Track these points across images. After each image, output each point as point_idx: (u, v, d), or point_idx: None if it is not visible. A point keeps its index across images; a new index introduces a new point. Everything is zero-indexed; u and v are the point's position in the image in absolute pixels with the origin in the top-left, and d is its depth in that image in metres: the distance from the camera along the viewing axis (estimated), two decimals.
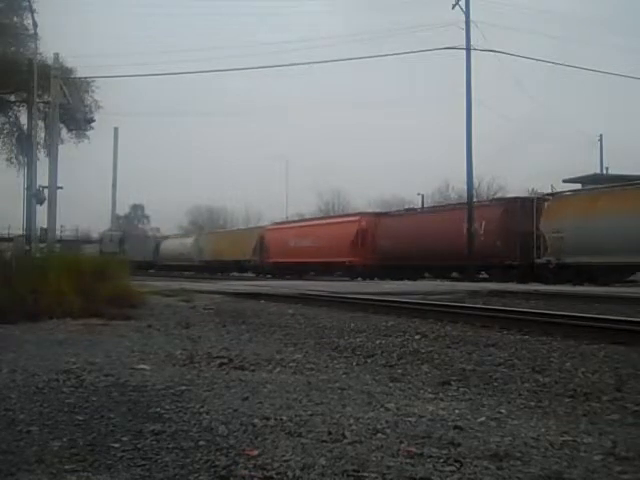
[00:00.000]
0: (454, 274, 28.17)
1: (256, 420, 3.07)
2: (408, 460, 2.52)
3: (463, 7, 26.27)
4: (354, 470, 2.39)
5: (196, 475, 2.35)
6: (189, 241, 51.11)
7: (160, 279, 23.40)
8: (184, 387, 3.84)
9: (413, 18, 78.13)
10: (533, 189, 27.31)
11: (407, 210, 36.85)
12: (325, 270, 34.46)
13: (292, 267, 35.72)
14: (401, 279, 26.22)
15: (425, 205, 43.08)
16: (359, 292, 13.78)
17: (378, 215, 34.98)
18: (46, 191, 20.40)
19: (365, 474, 2.35)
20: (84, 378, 4.09)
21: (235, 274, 40.79)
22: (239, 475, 2.34)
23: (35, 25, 23.26)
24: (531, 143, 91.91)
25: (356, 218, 34.64)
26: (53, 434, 2.86)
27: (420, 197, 47.95)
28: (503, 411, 3.41)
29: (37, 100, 21.99)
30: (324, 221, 39.77)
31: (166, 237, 58.37)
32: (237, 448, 2.64)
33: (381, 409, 3.37)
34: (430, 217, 31.26)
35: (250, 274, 40.88)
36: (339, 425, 3.00)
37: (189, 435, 2.83)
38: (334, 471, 2.38)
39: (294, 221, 46.35)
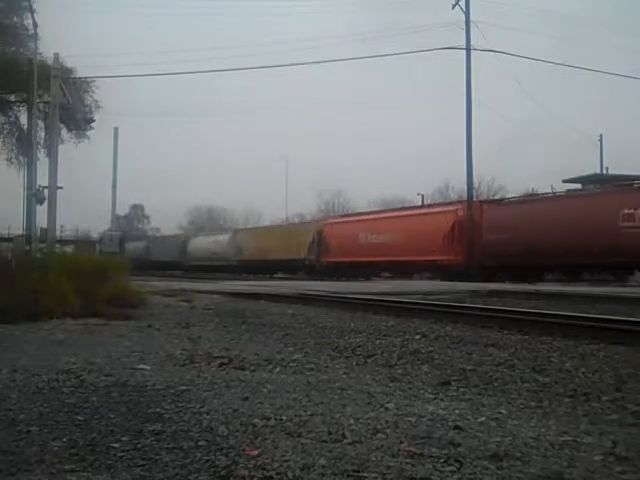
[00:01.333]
0: (587, 275, 23.73)
1: (256, 420, 3.07)
2: (408, 460, 2.52)
3: (463, 7, 26.31)
4: (354, 470, 2.39)
5: (196, 475, 2.35)
6: (224, 239, 45.72)
7: (180, 280, 22.81)
8: (184, 387, 3.84)
9: (413, 18, 77.92)
10: (533, 189, 27.26)
11: (529, 196, 29.39)
12: (406, 271, 29.56)
13: (360, 267, 30.76)
14: (521, 281, 21.68)
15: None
16: (359, 292, 13.78)
17: (484, 203, 28.65)
18: (46, 191, 20.39)
19: (365, 474, 2.35)
20: (84, 378, 4.09)
21: (279, 275, 37.73)
22: (239, 475, 2.34)
23: (35, 25, 23.27)
24: (531, 143, 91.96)
25: (452, 208, 28.23)
26: (53, 434, 2.86)
27: (420, 197, 47.97)
28: (503, 411, 3.41)
29: (37, 100, 21.98)
30: (407, 212, 32.14)
31: (195, 235, 54.25)
32: (237, 448, 2.64)
33: (381, 409, 3.37)
34: (566, 203, 24.21)
35: (300, 275, 36.27)
36: (339, 425, 3.00)
37: (189, 435, 2.83)
38: (334, 471, 2.38)
39: (364, 213, 38.88)
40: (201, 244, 48.50)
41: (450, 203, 30.84)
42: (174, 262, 48.09)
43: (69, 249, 23.05)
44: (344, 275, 30.76)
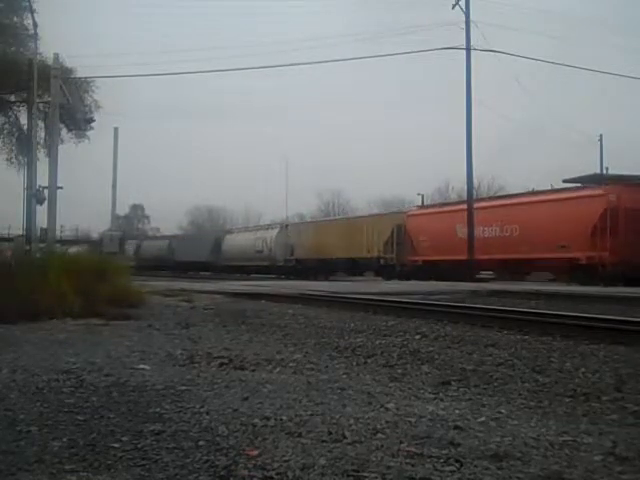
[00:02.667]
0: None
1: (256, 420, 3.07)
2: (408, 460, 2.52)
3: (463, 7, 26.26)
4: (354, 470, 2.39)
5: (196, 475, 2.35)
6: (270, 235, 38.72)
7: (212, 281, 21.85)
8: (184, 387, 3.84)
9: (413, 18, 77.93)
10: (533, 189, 27.26)
11: None
12: (520, 270, 24.57)
13: (459, 266, 24.57)
14: None
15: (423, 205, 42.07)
16: (359, 292, 13.79)
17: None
18: (46, 191, 20.38)
19: (365, 474, 2.35)
20: (84, 378, 4.09)
21: (339, 277, 32.17)
22: (239, 475, 2.34)
23: (35, 25, 23.23)
24: (531, 143, 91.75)
25: (599, 191, 22.00)
26: (53, 434, 2.86)
27: (420, 197, 47.85)
28: (503, 411, 3.41)
29: (37, 100, 21.97)
30: (527, 199, 25.44)
31: (231, 231, 46.89)
32: (237, 448, 2.64)
33: (381, 409, 3.37)
34: None
35: (371, 277, 31.36)
36: (339, 425, 3.00)
37: (189, 435, 2.83)
38: (334, 471, 2.38)
39: (460, 202, 29.80)
40: (240, 241, 41.74)
41: (601, 186, 22.60)
42: (205, 262, 42.60)
43: (78, 249, 23.07)
44: (437, 276, 24.50)
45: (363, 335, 6.60)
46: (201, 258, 43.09)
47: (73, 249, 22.01)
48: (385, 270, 30.13)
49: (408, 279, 26.33)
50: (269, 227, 41.85)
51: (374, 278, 30.58)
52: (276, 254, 37.20)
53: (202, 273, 40.98)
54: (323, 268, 33.53)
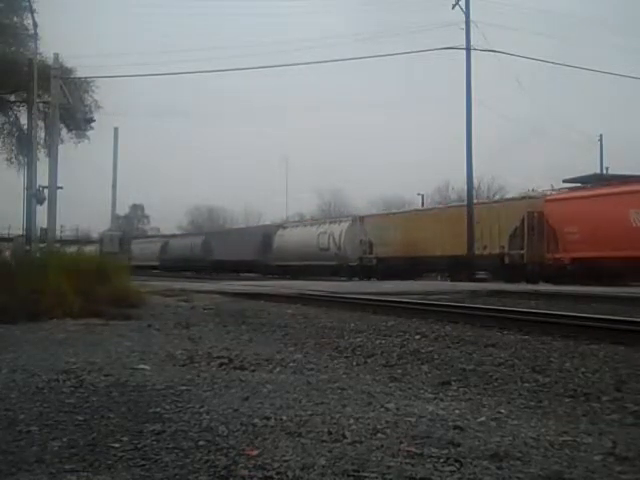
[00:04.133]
0: None
1: (256, 420, 3.07)
2: (408, 460, 2.52)
3: (463, 7, 26.26)
4: (354, 470, 2.39)
5: (196, 475, 2.35)
6: (339, 229, 32.69)
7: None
8: (184, 387, 3.84)
9: (413, 18, 78.08)
10: (533, 189, 27.19)
11: None
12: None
13: (634, 265, 18.98)
14: None
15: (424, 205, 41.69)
16: (359, 292, 13.78)
17: None
18: (46, 191, 20.38)
19: (365, 474, 2.35)
20: (84, 378, 4.09)
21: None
22: (239, 475, 2.34)
23: (35, 25, 23.22)
24: (531, 143, 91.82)
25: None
26: (53, 434, 2.86)
27: (420, 197, 47.89)
28: (503, 411, 3.41)
29: (37, 100, 21.96)
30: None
31: (285, 226, 39.61)
32: (237, 448, 2.64)
33: (381, 409, 3.37)
34: None
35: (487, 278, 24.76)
36: (339, 425, 3.00)
37: (189, 435, 2.83)
38: (334, 471, 2.38)
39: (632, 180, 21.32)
40: (297, 238, 35.22)
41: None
42: (251, 262, 37.34)
43: (92, 248, 23.00)
44: (595, 278, 19.10)
45: (363, 335, 6.60)
46: (246, 257, 37.38)
47: (89, 247, 21.98)
48: (510, 270, 23.39)
49: (551, 282, 20.43)
50: (336, 220, 35.40)
51: (495, 281, 23.03)
52: (347, 252, 31.23)
53: (243, 274, 36.86)
54: (414, 268, 27.72)
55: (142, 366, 4.57)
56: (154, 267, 46.27)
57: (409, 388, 4.02)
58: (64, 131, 27.13)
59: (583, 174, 26.51)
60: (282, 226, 39.56)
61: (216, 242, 42.35)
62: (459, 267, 25.03)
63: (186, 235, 53.02)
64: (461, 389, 4.03)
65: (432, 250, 26.83)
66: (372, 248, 30.64)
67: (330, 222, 34.99)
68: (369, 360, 5.12)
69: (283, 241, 36.24)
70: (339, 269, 31.11)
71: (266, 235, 38.14)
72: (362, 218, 33.06)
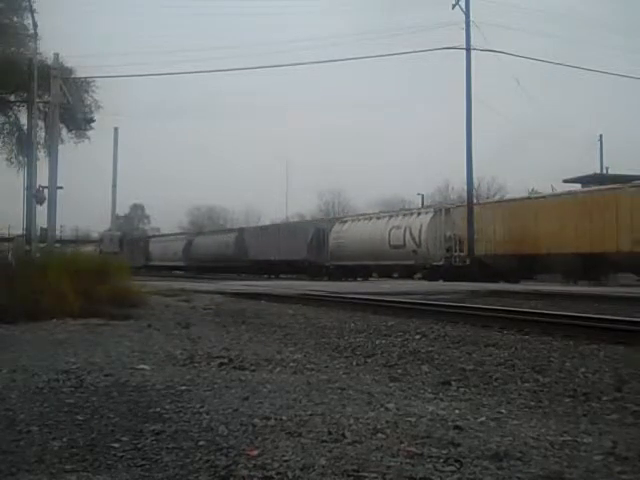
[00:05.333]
0: None
1: (256, 420, 3.06)
2: (408, 460, 2.52)
3: (463, 7, 26.27)
4: (354, 470, 2.39)
5: (196, 475, 2.35)
6: (418, 222, 27.58)
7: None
8: (184, 387, 3.84)
9: (413, 18, 78.11)
10: (533, 189, 27.07)
11: None
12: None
13: None
14: None
15: (425, 205, 41.49)
16: (359, 292, 13.78)
17: None
18: (46, 191, 20.39)
19: (365, 474, 2.35)
20: (84, 378, 4.09)
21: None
22: (239, 475, 2.34)
23: (35, 25, 23.22)
24: (531, 143, 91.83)
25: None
26: (53, 434, 2.86)
27: (420, 197, 47.83)
28: (503, 411, 3.41)
29: (37, 100, 21.96)
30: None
31: (340, 219, 34.76)
32: (237, 448, 2.64)
33: (381, 409, 3.37)
34: None
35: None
36: (339, 425, 3.00)
37: (189, 435, 2.83)
38: (334, 471, 2.38)
39: None
40: (359, 233, 30.34)
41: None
42: (300, 262, 32.44)
43: (92, 248, 22.95)
44: None
45: (363, 335, 6.60)
46: (291, 257, 32.86)
47: (89, 247, 21.95)
48: None
49: None
50: (412, 212, 30.11)
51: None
52: (429, 249, 26.68)
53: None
54: (524, 268, 23.79)
55: (142, 366, 4.57)
56: (177, 268, 43.71)
57: (409, 388, 4.02)
58: (64, 131, 27.14)
59: (583, 174, 26.51)
60: (340, 220, 34.45)
61: (252, 240, 37.69)
62: (593, 267, 21.07)
63: (215, 232, 47.16)
64: (461, 389, 4.03)
65: (555, 246, 22.20)
66: (462, 245, 26.13)
67: (404, 214, 29.70)
68: (369, 360, 5.12)
69: (341, 237, 31.23)
70: (419, 269, 27.11)
71: (318, 231, 33.21)
72: (447, 210, 28.09)
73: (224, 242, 40.00)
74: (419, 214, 28.73)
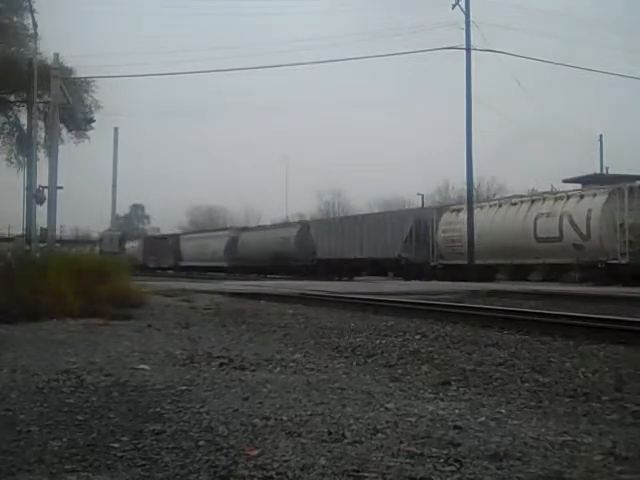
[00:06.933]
0: None
1: (256, 420, 3.06)
2: (408, 460, 2.52)
3: (463, 7, 26.27)
4: (354, 470, 2.38)
5: (196, 475, 2.35)
6: (583, 207, 21.00)
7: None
8: (184, 387, 3.84)
9: (413, 19, 78.19)
10: (533, 189, 27.04)
11: None
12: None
13: None
14: None
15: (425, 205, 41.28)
16: (359, 292, 13.78)
17: None
18: (46, 191, 20.40)
19: (365, 474, 2.35)
20: (84, 378, 4.09)
21: None
22: (239, 475, 2.34)
23: (35, 25, 23.25)
24: (531, 143, 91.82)
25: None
26: (53, 434, 2.86)
27: (420, 197, 47.74)
28: (503, 411, 3.41)
29: (37, 100, 21.97)
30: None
31: (451, 208, 27.93)
32: (237, 448, 2.64)
33: (381, 409, 3.36)
34: None
35: None
36: (339, 425, 3.00)
37: (189, 435, 2.83)
38: (334, 471, 2.37)
39: None
40: (485, 223, 24.38)
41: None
42: (389, 261, 27.29)
43: (92, 248, 22.88)
44: None
45: (363, 335, 6.60)
46: (382, 254, 27.37)
47: (89, 247, 21.90)
48: None
49: None
50: (569, 194, 22.23)
51: None
52: (602, 243, 20.05)
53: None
54: None
55: (142, 366, 4.57)
56: (217, 269, 37.35)
57: (409, 388, 4.02)
58: (64, 131, 27.17)
59: (583, 174, 26.49)
60: (450, 208, 27.74)
61: (321, 234, 31.64)
62: None
63: (268, 227, 40.47)
64: (461, 389, 4.02)
65: None
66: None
67: (557, 198, 22.15)
68: (369, 360, 5.12)
69: (456, 230, 25.10)
70: (577, 269, 20.80)
71: (419, 223, 26.95)
72: (632, 189, 19.95)
73: (281, 238, 34.15)
74: (582, 196, 21.50)
